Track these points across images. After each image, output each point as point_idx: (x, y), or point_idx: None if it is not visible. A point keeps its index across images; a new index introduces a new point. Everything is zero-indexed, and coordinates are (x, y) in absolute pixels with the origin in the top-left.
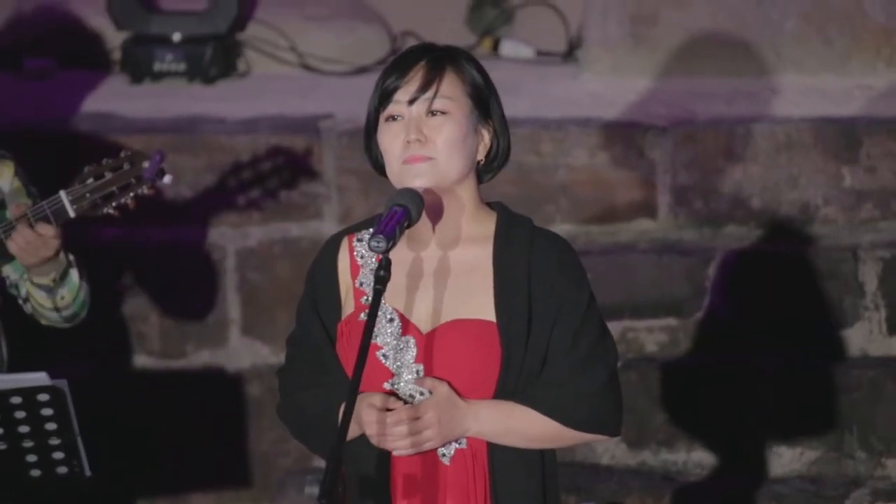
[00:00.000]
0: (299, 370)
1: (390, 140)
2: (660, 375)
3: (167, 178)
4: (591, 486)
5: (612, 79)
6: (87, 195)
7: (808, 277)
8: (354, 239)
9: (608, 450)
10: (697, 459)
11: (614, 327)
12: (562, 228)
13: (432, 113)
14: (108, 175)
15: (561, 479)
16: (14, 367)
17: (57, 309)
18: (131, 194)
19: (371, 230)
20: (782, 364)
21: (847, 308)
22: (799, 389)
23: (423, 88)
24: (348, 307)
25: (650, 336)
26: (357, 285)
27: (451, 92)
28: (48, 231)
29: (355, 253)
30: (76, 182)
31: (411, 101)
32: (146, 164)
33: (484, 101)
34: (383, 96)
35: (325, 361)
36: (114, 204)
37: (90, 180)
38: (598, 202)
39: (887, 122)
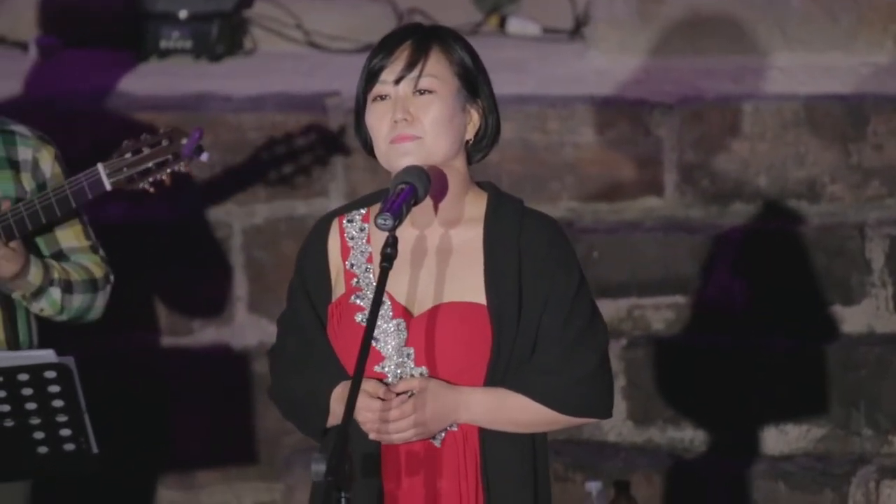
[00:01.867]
0: (289, 351)
1: (377, 120)
2: (666, 353)
3: (204, 156)
4: (597, 463)
5: (618, 56)
6: (125, 169)
7: (815, 255)
8: (345, 220)
9: (614, 427)
10: (704, 437)
11: (621, 305)
12: (568, 206)
13: (419, 92)
14: (146, 150)
15: (567, 457)
16: (42, 345)
17: (39, 314)
18: (168, 171)
19: (362, 210)
20: (789, 341)
21: (854, 285)
22: (805, 367)
23: (409, 67)
24: (339, 289)
25: (656, 314)
26: (347, 267)
27: (437, 70)
28: (14, 250)
29: (346, 234)
30: (114, 156)
31: (397, 81)
32: (184, 141)
33: (472, 80)
34: (370, 76)
35: (314, 344)
36: (150, 179)
37: (128, 154)
38: (604, 180)
39: (894, 99)
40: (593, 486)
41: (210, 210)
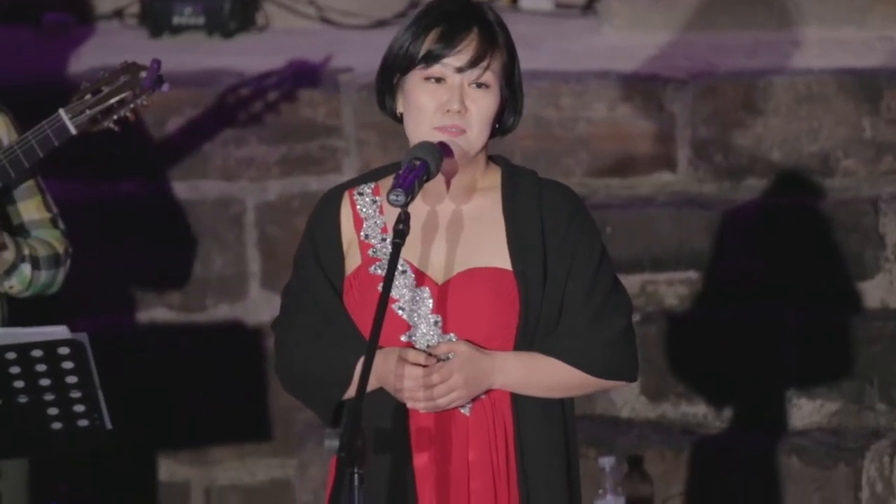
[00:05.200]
0: (300, 322)
1: (428, 99)
2: (679, 328)
3: (165, 87)
4: (610, 439)
5: (631, 32)
6: (87, 111)
7: (829, 230)
8: (355, 193)
9: (628, 402)
10: (717, 412)
11: (634, 280)
12: (581, 181)
13: (476, 84)
14: (106, 89)
15: (580, 433)
16: (14, 323)
17: (7, 291)
18: (131, 106)
19: (371, 184)
20: (802, 316)
21: (867, 260)
22: (819, 342)
23: (476, 61)
24: (353, 260)
25: (670, 289)
26: (362, 238)
27: (496, 67)
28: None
29: (357, 206)
30: (74, 99)
31: (461, 69)
32: (143, 74)
33: (511, 71)
34: (430, 57)
35: (330, 315)
36: (114, 117)
37: (88, 96)
38: (617, 155)
39: None
40: (607, 462)
41: (223, 186)
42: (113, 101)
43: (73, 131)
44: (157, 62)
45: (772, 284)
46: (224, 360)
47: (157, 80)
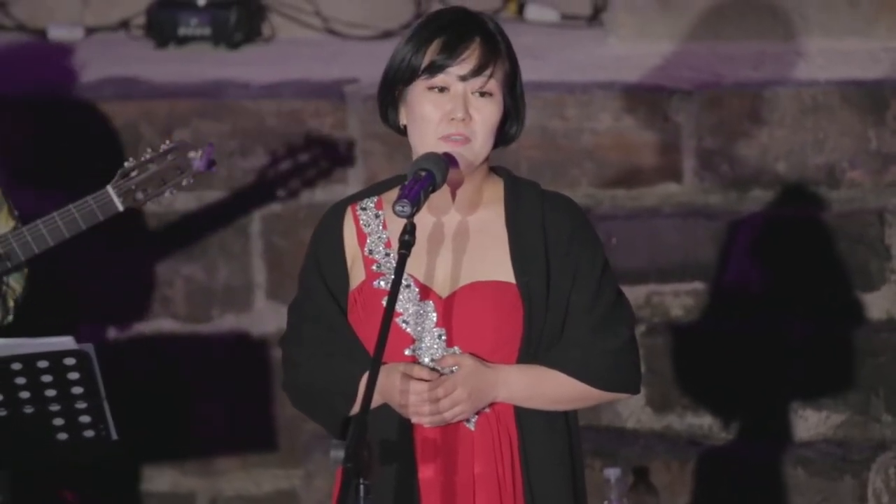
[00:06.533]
0: (306, 339)
1: (432, 109)
2: (685, 340)
3: (214, 168)
4: (616, 450)
5: (637, 42)
6: (133, 187)
7: (834, 241)
8: (357, 208)
9: (633, 413)
10: (722, 424)
11: (639, 291)
12: (587, 192)
13: (480, 93)
14: (153, 167)
15: (586, 444)
16: (17, 331)
17: None
18: (176, 184)
19: (374, 198)
20: (808, 328)
21: (873, 271)
22: (825, 353)
23: (479, 70)
24: (357, 275)
25: (675, 300)
26: (366, 253)
27: (500, 76)
28: None
29: (361, 222)
30: (120, 176)
31: (464, 78)
32: (193, 155)
33: (512, 80)
34: (433, 67)
35: (335, 330)
36: (159, 195)
37: (134, 173)
38: (622, 166)
39: None
40: (612, 473)
41: (229, 197)
42: (160, 179)
43: (121, 208)
44: (211, 146)
45: (777, 296)
46: (230, 370)
47: (209, 164)
